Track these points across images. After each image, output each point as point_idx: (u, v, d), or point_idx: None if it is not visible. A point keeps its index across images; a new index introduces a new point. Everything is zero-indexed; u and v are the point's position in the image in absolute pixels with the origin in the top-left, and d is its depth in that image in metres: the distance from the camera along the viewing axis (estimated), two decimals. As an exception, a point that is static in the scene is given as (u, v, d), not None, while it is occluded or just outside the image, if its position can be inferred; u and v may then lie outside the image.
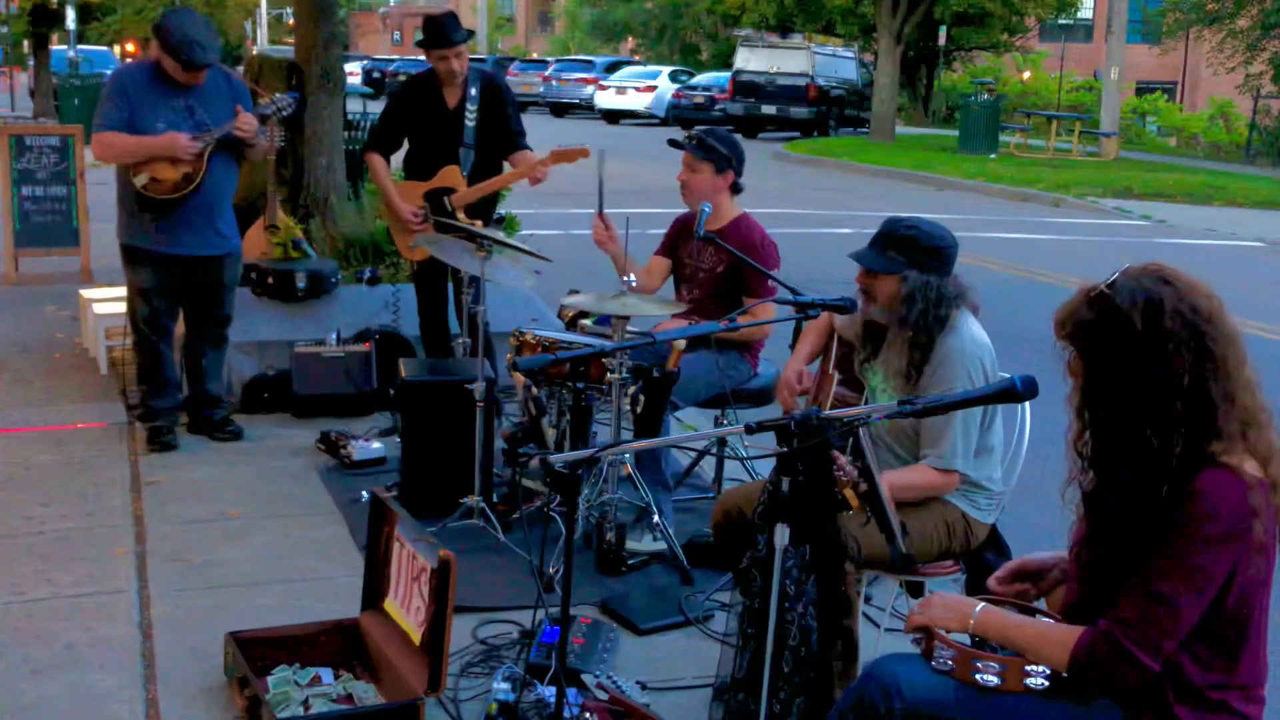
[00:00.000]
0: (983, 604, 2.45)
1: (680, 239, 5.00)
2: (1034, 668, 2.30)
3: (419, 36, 5.81)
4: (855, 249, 3.44)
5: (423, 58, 5.79)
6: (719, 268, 4.81)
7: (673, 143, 4.95)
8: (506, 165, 5.82)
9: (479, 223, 5.26)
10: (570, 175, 5.95)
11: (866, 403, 3.54)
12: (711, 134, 4.87)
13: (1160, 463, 2.21)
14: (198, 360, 5.58)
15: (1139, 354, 2.22)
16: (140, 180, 5.17)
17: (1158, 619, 2.20)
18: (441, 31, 5.60)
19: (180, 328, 5.69)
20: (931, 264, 3.31)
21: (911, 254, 3.31)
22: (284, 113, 5.58)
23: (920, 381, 3.34)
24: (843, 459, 2.65)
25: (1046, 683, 2.30)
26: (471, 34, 5.80)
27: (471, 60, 5.80)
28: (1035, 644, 2.33)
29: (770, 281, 4.71)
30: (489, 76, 5.84)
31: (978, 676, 2.32)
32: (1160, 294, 2.23)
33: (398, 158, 5.96)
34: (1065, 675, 2.28)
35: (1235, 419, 2.22)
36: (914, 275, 3.30)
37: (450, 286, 5.86)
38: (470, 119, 5.65)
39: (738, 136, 5.05)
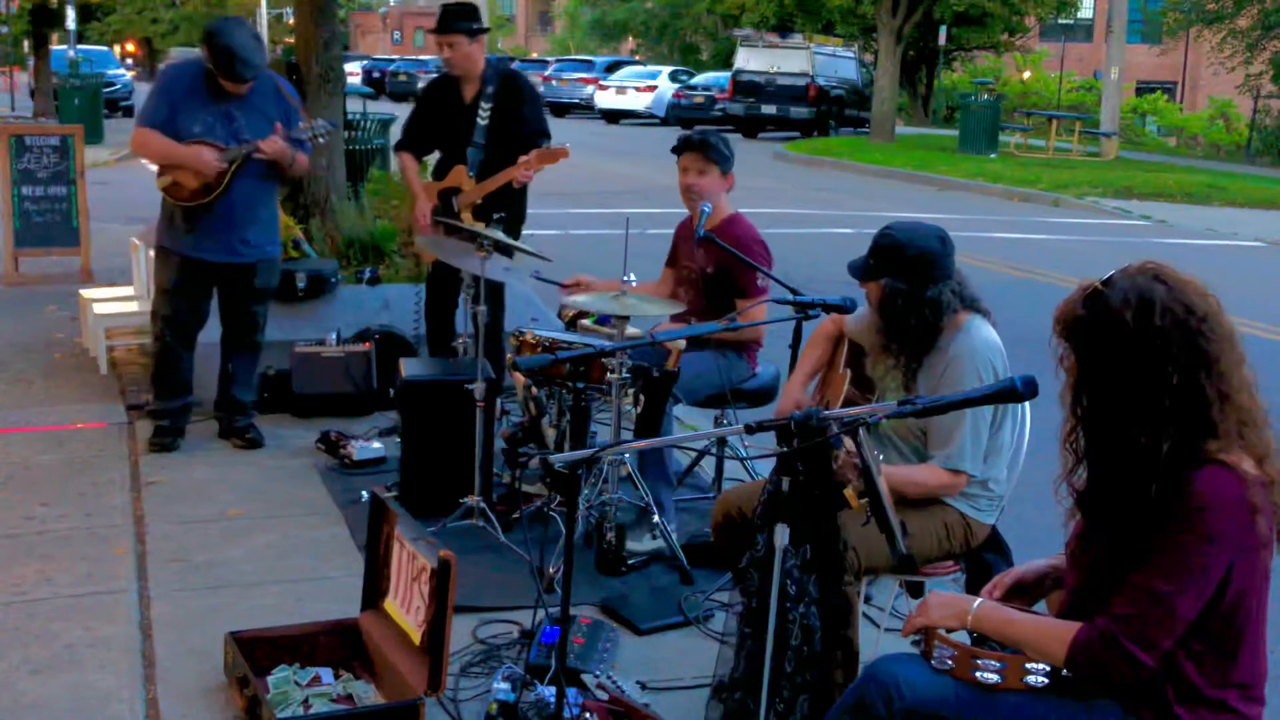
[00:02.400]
0: (980, 600, 2.45)
1: (680, 244, 5.02)
2: (1034, 665, 2.31)
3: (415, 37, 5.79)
4: (856, 251, 3.47)
5: (424, 57, 5.81)
6: (709, 268, 4.82)
7: (682, 142, 4.86)
8: None
9: (482, 224, 5.25)
10: (570, 175, 5.94)
11: (877, 402, 3.55)
12: (713, 135, 4.87)
13: (1148, 460, 2.22)
14: (227, 365, 5.57)
15: (1129, 351, 2.23)
16: (163, 182, 5.22)
17: (1154, 616, 2.20)
18: (442, 17, 5.60)
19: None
20: (906, 272, 3.31)
21: (886, 263, 3.34)
22: (320, 139, 5.47)
23: (928, 383, 3.34)
24: (849, 445, 2.65)
25: (1046, 680, 2.30)
26: (475, 30, 5.61)
27: (489, 58, 5.74)
28: (1033, 639, 2.33)
29: (761, 281, 4.72)
30: (509, 74, 5.75)
31: (978, 674, 2.32)
32: (1153, 292, 2.23)
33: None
34: (1064, 672, 2.28)
35: (1231, 417, 2.22)
36: (887, 283, 3.32)
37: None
38: (482, 117, 5.60)
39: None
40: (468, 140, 5.61)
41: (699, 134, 4.87)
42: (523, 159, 5.38)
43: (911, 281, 3.30)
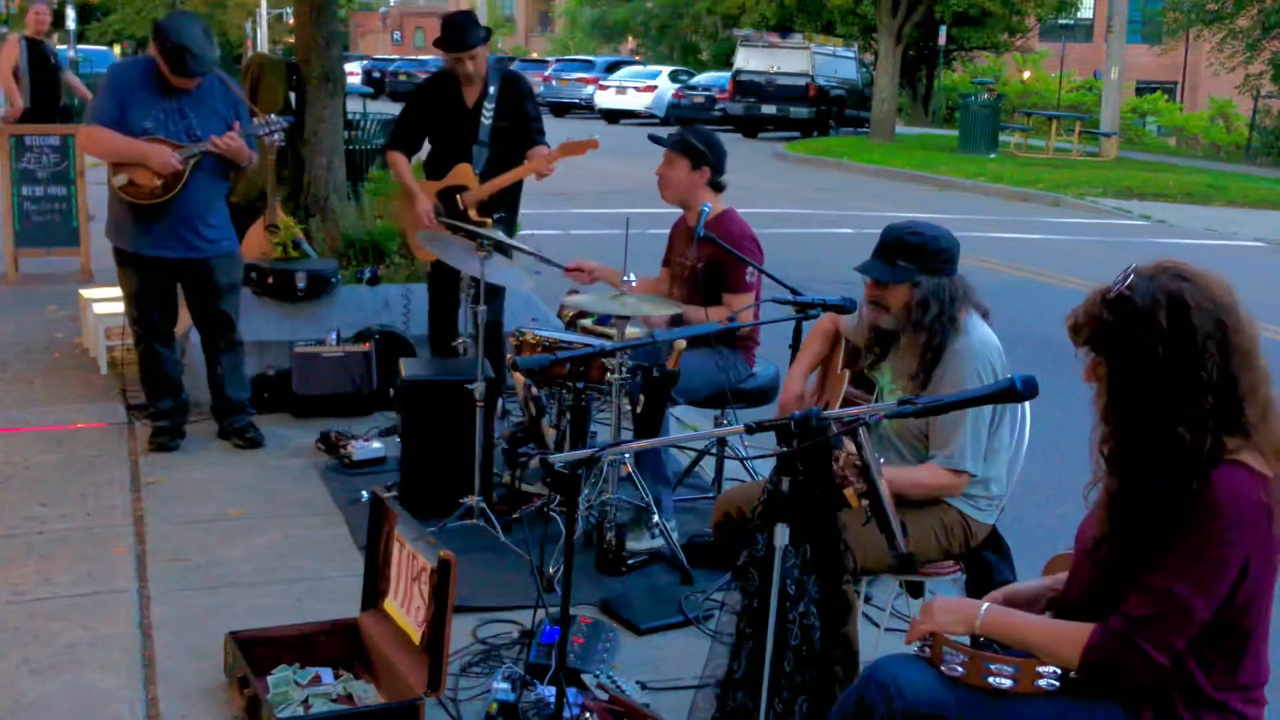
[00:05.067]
0: (988, 605, 2.44)
1: (674, 241, 5.05)
2: (1045, 668, 2.29)
3: (430, 37, 5.82)
4: (856, 251, 3.45)
5: (424, 57, 5.83)
6: (699, 264, 4.84)
7: (653, 138, 5.01)
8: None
9: (489, 220, 5.28)
10: (570, 175, 5.96)
11: (876, 402, 3.55)
12: (692, 131, 4.94)
13: (1191, 458, 2.21)
14: (213, 367, 5.55)
15: (1167, 352, 2.21)
16: (118, 180, 5.15)
17: (1170, 616, 2.20)
18: (454, 34, 5.62)
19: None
20: (940, 267, 3.32)
21: (921, 260, 3.32)
22: (274, 136, 5.49)
23: (930, 383, 3.34)
24: (849, 445, 2.64)
25: (1057, 684, 2.29)
26: (489, 33, 5.75)
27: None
28: (1046, 642, 2.32)
29: (750, 276, 4.75)
30: (510, 74, 5.81)
31: (990, 680, 2.31)
32: (1181, 290, 2.22)
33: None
34: (1075, 674, 2.28)
35: (1257, 409, 2.23)
36: (926, 280, 3.31)
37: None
38: (487, 117, 5.64)
39: (719, 136, 5.07)
40: (473, 139, 5.63)
41: (678, 130, 4.99)
42: (545, 152, 5.42)
43: (949, 274, 3.33)
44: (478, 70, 5.64)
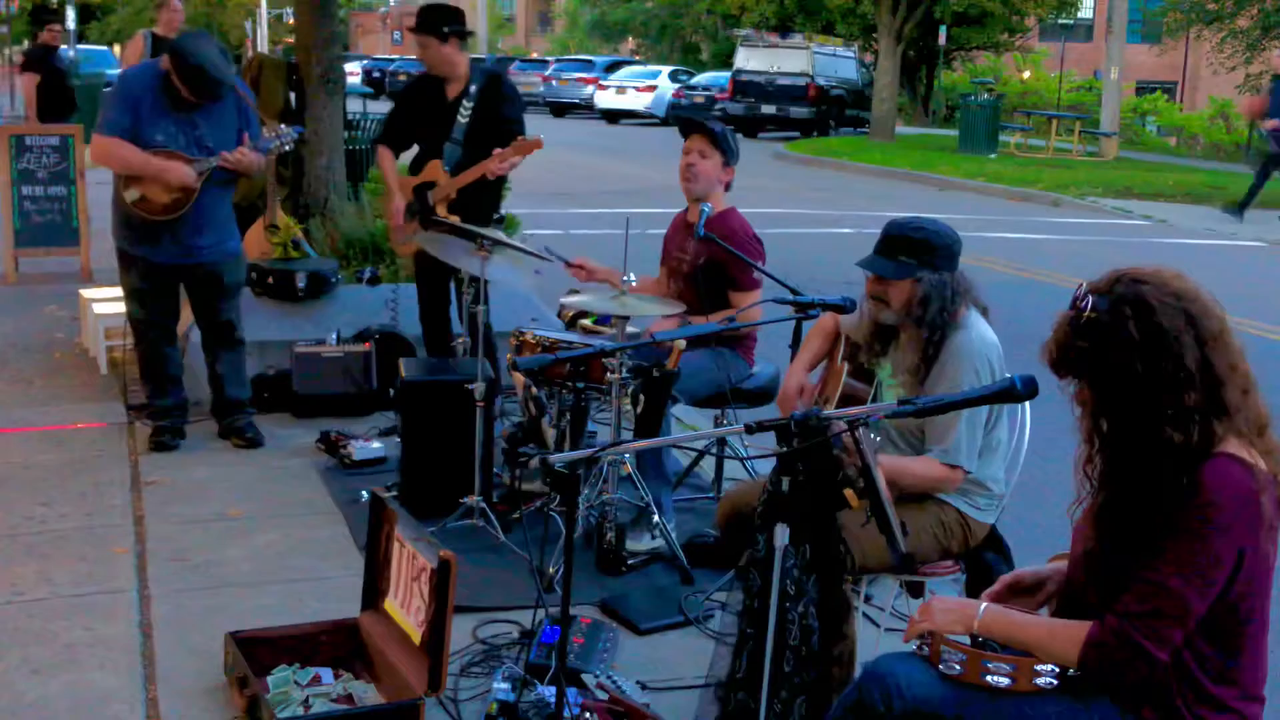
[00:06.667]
0: (986, 604, 2.45)
1: (671, 237, 5.04)
2: (1043, 667, 2.30)
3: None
4: (857, 250, 3.44)
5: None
6: (700, 259, 4.83)
7: (691, 123, 4.91)
8: None
9: (455, 218, 5.27)
10: (570, 175, 5.94)
11: (875, 395, 3.55)
12: (724, 126, 4.91)
13: (1181, 455, 2.21)
14: (214, 366, 5.55)
15: (1145, 358, 2.22)
16: (131, 195, 5.15)
17: (1166, 611, 2.20)
18: (418, 17, 5.63)
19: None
20: (943, 262, 3.33)
21: (924, 255, 3.32)
22: (285, 148, 5.51)
23: (929, 378, 3.34)
24: (850, 443, 2.63)
25: (1056, 682, 2.29)
26: (447, 34, 5.60)
27: (474, 59, 5.80)
28: (1044, 641, 2.33)
29: (755, 274, 4.73)
30: (492, 73, 5.80)
31: (988, 678, 2.31)
32: (1141, 294, 2.24)
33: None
34: (1073, 672, 2.28)
35: (1238, 387, 2.24)
36: (929, 276, 3.31)
37: (453, 286, 5.86)
38: (464, 115, 5.63)
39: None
40: (446, 136, 5.64)
41: (712, 120, 4.92)
42: (497, 151, 5.38)
43: (952, 270, 3.33)
44: (429, 62, 5.62)
